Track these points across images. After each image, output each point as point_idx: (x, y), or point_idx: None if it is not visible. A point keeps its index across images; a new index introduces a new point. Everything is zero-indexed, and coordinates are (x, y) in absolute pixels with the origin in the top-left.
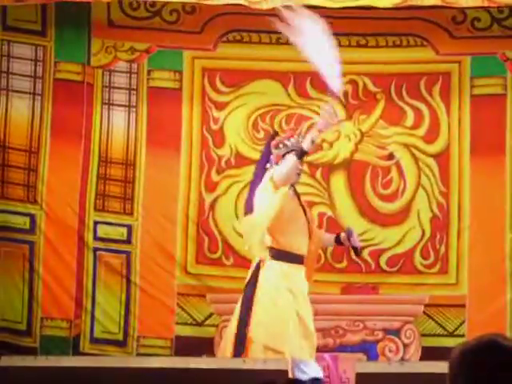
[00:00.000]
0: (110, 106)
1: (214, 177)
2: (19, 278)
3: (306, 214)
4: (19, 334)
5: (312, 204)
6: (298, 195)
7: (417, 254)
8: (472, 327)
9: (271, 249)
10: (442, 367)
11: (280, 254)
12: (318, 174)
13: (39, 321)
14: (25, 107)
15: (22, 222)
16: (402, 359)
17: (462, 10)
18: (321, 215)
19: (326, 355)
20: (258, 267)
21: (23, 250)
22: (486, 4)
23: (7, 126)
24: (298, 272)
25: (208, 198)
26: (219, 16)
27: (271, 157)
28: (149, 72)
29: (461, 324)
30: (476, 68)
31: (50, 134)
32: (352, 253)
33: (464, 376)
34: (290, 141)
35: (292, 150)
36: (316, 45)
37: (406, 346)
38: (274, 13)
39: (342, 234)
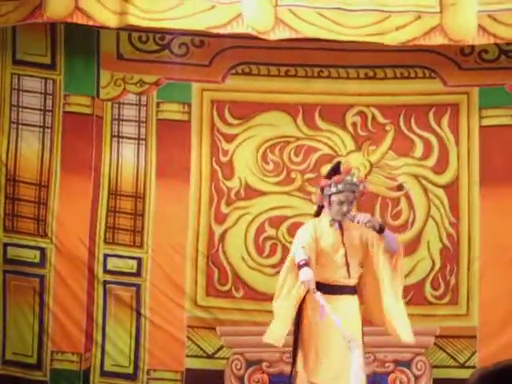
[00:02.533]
0: (120, 139)
1: (224, 209)
2: (29, 312)
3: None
4: (29, 367)
5: None
6: (342, 231)
7: (427, 285)
8: (483, 358)
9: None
10: None
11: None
12: None
13: (49, 354)
14: (35, 140)
15: (32, 255)
16: None
17: None
18: None
19: None
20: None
21: (33, 284)
22: (492, 41)
23: (17, 160)
24: (338, 303)
25: (217, 230)
26: (228, 49)
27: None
28: (158, 104)
29: (472, 355)
30: (484, 99)
31: (59, 167)
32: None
33: None
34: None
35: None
36: None
37: (417, 377)
38: (281, 45)
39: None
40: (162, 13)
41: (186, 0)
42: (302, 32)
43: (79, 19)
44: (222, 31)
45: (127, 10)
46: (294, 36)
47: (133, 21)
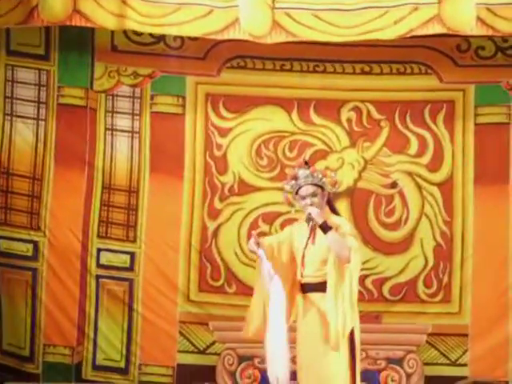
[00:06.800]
0: (113, 132)
1: (217, 204)
2: (22, 305)
3: None
4: (23, 359)
5: None
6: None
7: (420, 283)
8: (474, 356)
9: None
10: None
11: None
12: None
13: (42, 347)
14: (29, 133)
15: (25, 248)
16: None
17: (467, 39)
18: None
19: None
20: None
21: (26, 277)
22: (490, 33)
23: (11, 152)
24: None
25: (211, 226)
26: (223, 42)
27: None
28: (152, 97)
29: (463, 353)
30: (480, 96)
31: (53, 161)
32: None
33: None
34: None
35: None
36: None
37: (408, 375)
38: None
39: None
40: (160, 18)
41: (183, 5)
42: (299, 35)
43: (77, 22)
44: (219, 37)
45: (125, 13)
46: (290, 39)
47: (131, 26)
